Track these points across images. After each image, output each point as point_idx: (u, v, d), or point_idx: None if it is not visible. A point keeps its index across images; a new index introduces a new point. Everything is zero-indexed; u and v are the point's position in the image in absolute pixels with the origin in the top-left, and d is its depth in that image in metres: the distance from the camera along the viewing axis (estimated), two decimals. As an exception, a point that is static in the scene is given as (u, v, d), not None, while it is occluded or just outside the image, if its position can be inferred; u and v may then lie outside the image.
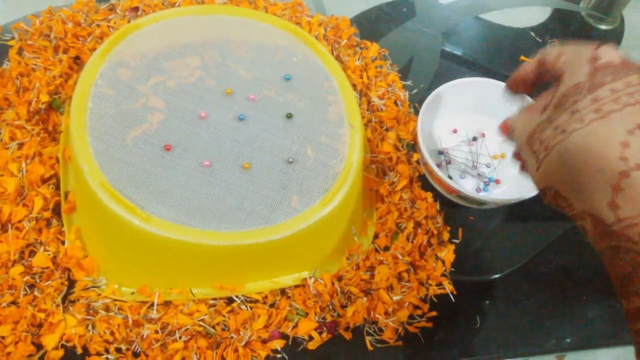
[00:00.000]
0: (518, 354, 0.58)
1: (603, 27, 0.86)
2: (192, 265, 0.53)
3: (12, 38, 0.65)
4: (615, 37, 0.86)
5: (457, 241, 0.61)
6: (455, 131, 0.68)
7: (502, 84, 0.64)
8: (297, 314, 0.54)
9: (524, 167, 0.43)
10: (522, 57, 0.77)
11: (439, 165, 0.66)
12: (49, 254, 0.53)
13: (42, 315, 0.51)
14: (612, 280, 0.34)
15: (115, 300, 0.53)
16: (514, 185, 0.65)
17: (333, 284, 0.55)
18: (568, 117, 0.35)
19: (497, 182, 0.65)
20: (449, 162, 0.66)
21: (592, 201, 0.33)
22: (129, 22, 0.66)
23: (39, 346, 0.51)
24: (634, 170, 0.32)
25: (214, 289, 0.54)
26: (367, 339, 0.55)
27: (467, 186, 0.65)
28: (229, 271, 0.54)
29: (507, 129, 0.42)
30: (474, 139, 0.68)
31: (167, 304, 0.54)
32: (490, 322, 0.59)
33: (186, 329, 0.52)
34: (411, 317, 0.56)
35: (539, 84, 0.43)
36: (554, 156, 0.36)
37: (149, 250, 0.52)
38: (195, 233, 0.50)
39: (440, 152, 0.67)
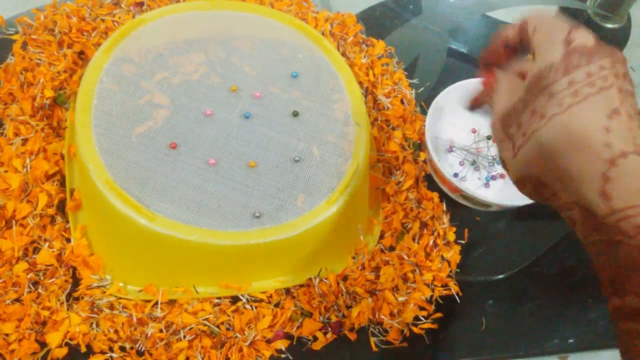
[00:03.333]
0: (521, 354, 0.58)
1: (609, 25, 0.85)
2: (198, 264, 0.53)
3: (16, 32, 0.65)
4: (622, 35, 0.85)
5: (462, 242, 0.61)
6: (474, 131, 0.68)
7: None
8: (302, 314, 0.54)
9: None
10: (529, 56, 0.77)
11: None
12: (53, 251, 0.53)
13: (46, 313, 0.51)
14: (601, 275, 0.32)
15: (119, 298, 0.53)
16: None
17: (338, 284, 0.55)
18: (545, 101, 0.33)
19: (502, 176, 0.65)
20: (460, 162, 0.66)
21: (581, 191, 0.32)
22: (133, 17, 0.66)
23: (43, 344, 0.50)
24: (619, 157, 0.31)
25: (219, 288, 0.54)
26: (372, 339, 0.55)
27: (472, 186, 0.65)
28: (234, 270, 0.54)
29: (488, 87, 0.39)
30: (489, 137, 0.67)
31: (171, 303, 0.53)
32: (494, 323, 0.59)
33: (191, 328, 0.52)
34: (416, 318, 0.56)
35: (523, 52, 0.39)
36: (534, 144, 0.34)
37: (155, 249, 0.51)
38: (201, 232, 0.50)
39: (450, 151, 0.66)
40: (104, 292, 0.53)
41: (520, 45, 0.39)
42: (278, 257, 0.54)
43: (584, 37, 0.34)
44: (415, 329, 0.56)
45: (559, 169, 0.33)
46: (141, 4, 0.67)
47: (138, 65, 0.57)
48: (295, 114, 0.57)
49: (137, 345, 0.51)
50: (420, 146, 0.66)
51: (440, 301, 0.58)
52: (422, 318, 0.56)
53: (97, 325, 0.51)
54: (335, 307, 0.55)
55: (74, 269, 0.54)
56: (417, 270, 0.57)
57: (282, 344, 0.53)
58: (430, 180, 0.64)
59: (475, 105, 0.43)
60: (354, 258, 0.57)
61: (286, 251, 0.53)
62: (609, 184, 0.30)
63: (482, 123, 0.68)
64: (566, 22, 0.35)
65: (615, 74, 0.33)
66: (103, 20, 0.66)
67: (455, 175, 0.65)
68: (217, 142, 0.54)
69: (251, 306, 0.54)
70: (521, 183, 0.36)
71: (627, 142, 0.31)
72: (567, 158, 0.32)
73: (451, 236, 0.61)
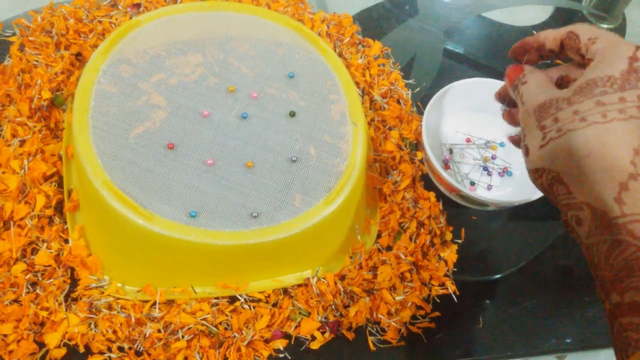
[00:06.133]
0: (519, 354, 0.58)
1: (605, 25, 0.86)
2: (195, 264, 0.53)
3: (14, 34, 0.65)
4: (617, 36, 0.85)
5: (459, 241, 0.62)
6: (468, 140, 0.68)
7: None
8: (300, 313, 0.54)
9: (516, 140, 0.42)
10: (525, 56, 0.77)
11: (445, 164, 0.65)
12: (51, 252, 0.53)
13: (44, 314, 0.51)
14: (599, 274, 0.34)
15: (118, 299, 0.53)
16: (517, 187, 0.65)
17: (336, 283, 0.55)
18: (591, 107, 0.35)
19: (505, 169, 0.65)
20: (449, 160, 0.66)
21: (598, 193, 0.34)
22: (130, 18, 0.66)
23: (41, 344, 0.50)
24: None
25: (217, 288, 0.54)
26: (370, 339, 0.55)
27: (469, 185, 0.65)
28: (232, 270, 0.54)
29: (514, 78, 0.41)
30: (487, 143, 0.68)
31: (169, 303, 0.53)
32: (491, 323, 0.59)
33: (189, 328, 0.52)
34: (414, 317, 0.56)
35: (551, 57, 0.42)
36: (566, 140, 0.35)
37: (152, 249, 0.51)
38: (199, 232, 0.50)
39: (450, 151, 0.67)
40: (102, 293, 0.53)
41: (556, 52, 0.42)
42: (275, 257, 0.54)
43: None
44: (412, 328, 0.56)
45: (582, 170, 0.35)
46: (138, 6, 0.68)
47: (135, 66, 0.57)
48: (292, 114, 0.57)
49: (136, 345, 0.51)
50: (417, 146, 0.66)
51: (438, 300, 0.58)
52: (420, 317, 0.56)
53: (96, 325, 0.51)
54: (333, 306, 0.55)
55: (72, 269, 0.54)
56: (415, 270, 0.58)
57: (280, 344, 0.53)
58: (427, 180, 0.64)
59: (502, 98, 0.46)
60: (351, 257, 0.57)
61: (284, 251, 0.53)
62: (625, 191, 0.33)
63: (477, 126, 0.68)
64: (629, 42, 0.37)
65: None
66: (100, 22, 0.66)
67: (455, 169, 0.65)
68: (214, 143, 0.55)
69: (249, 306, 0.54)
70: (538, 173, 0.38)
71: None
72: (594, 163, 0.34)
73: (448, 235, 0.61)
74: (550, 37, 0.41)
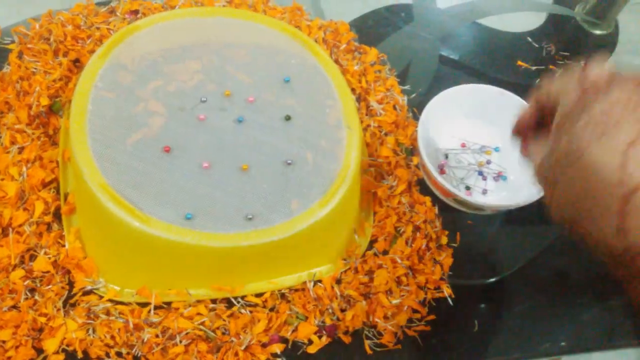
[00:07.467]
0: (514, 357, 0.59)
1: (598, 32, 0.87)
2: (191, 267, 0.54)
3: (12, 42, 0.65)
4: (609, 41, 0.86)
5: (455, 245, 0.62)
6: (463, 145, 0.69)
7: (504, 92, 0.66)
8: (297, 317, 0.55)
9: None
10: (519, 62, 0.78)
11: (440, 169, 0.66)
12: (49, 258, 0.54)
13: (43, 320, 0.51)
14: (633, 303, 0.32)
15: (116, 303, 0.53)
16: (511, 192, 0.65)
17: (332, 287, 0.56)
18: (566, 144, 0.34)
19: (500, 174, 0.66)
20: (444, 165, 0.67)
21: (601, 230, 0.31)
22: (128, 24, 0.67)
23: (39, 350, 0.51)
24: (633, 192, 0.30)
25: (212, 290, 0.55)
26: (367, 342, 0.55)
27: (464, 190, 0.66)
28: (228, 272, 0.55)
29: (526, 151, 0.42)
30: (482, 148, 0.68)
31: (167, 308, 0.54)
32: (487, 326, 0.59)
33: (186, 333, 0.52)
34: (410, 320, 0.57)
35: (545, 124, 0.41)
36: (561, 188, 0.34)
37: (148, 252, 0.52)
38: (194, 234, 0.50)
39: (446, 156, 0.67)
40: (101, 298, 0.53)
41: (541, 119, 0.41)
42: (271, 259, 0.54)
43: (597, 72, 0.35)
44: (408, 332, 0.56)
45: (584, 210, 0.33)
46: (136, 12, 0.68)
47: (132, 72, 0.58)
48: (288, 118, 0.58)
49: (134, 350, 0.51)
50: (413, 151, 0.67)
51: (434, 304, 0.58)
52: (416, 321, 0.57)
53: (94, 331, 0.52)
54: (330, 310, 0.55)
55: (69, 273, 0.54)
56: (411, 274, 0.58)
57: (277, 348, 0.53)
58: (423, 185, 0.64)
59: (521, 133, 0.44)
60: (346, 260, 0.58)
61: (279, 253, 0.53)
62: (626, 220, 0.30)
63: (472, 132, 0.69)
64: (581, 64, 0.36)
65: (634, 106, 0.32)
66: (98, 28, 0.66)
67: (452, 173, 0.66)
68: (210, 146, 0.55)
69: (246, 310, 0.54)
70: (562, 225, 0.36)
71: None
72: (589, 198, 0.32)
73: (444, 239, 0.62)
74: (528, 116, 0.42)
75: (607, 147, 0.31)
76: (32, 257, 0.54)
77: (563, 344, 0.60)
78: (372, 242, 0.61)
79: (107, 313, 0.53)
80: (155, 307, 0.53)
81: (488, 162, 0.68)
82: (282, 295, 0.56)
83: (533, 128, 0.42)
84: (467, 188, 0.66)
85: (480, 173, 0.67)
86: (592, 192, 0.32)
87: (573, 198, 0.33)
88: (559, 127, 0.35)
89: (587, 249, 0.33)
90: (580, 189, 0.33)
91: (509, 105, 0.65)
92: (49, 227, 0.56)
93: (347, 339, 0.55)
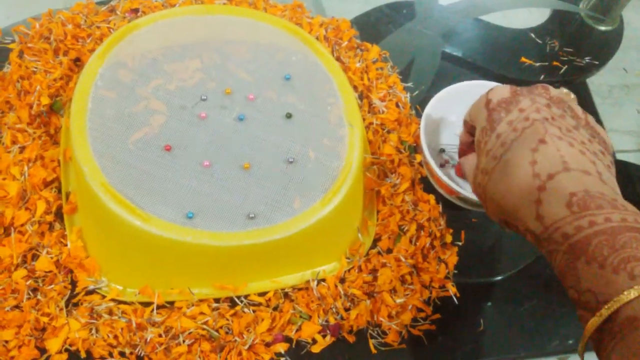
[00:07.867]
0: (521, 356, 0.58)
1: (602, 27, 0.86)
2: (193, 266, 0.53)
3: (13, 41, 0.65)
4: (614, 37, 0.86)
5: (459, 243, 0.62)
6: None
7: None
8: (301, 317, 0.54)
9: None
10: (523, 59, 0.77)
11: (441, 166, 0.66)
12: (52, 258, 0.53)
13: (45, 319, 0.51)
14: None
15: (118, 303, 0.53)
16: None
17: (336, 286, 0.55)
18: (485, 159, 0.40)
19: None
20: (446, 162, 0.66)
21: (524, 219, 0.37)
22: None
23: (42, 350, 0.50)
24: (547, 181, 0.36)
25: (214, 289, 0.54)
26: (371, 342, 0.55)
27: (468, 187, 0.65)
28: (229, 271, 0.54)
29: (460, 172, 0.51)
30: None
31: (170, 308, 0.53)
32: (493, 324, 0.59)
33: (190, 333, 0.52)
34: (414, 319, 0.56)
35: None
36: (488, 197, 0.41)
37: (150, 251, 0.52)
38: (196, 233, 0.50)
39: (442, 150, 0.67)
40: (104, 298, 0.53)
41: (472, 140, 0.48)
42: (273, 258, 0.54)
43: (500, 92, 0.42)
44: (413, 331, 0.56)
45: (509, 205, 0.39)
46: (136, 11, 0.68)
47: (133, 70, 0.57)
48: (289, 116, 0.58)
49: (137, 350, 0.51)
50: (416, 149, 0.66)
51: (438, 303, 0.58)
52: (421, 320, 0.56)
53: (97, 330, 0.51)
54: (334, 309, 0.55)
55: (72, 273, 0.54)
56: (415, 272, 0.58)
57: (281, 347, 0.53)
58: (427, 183, 0.64)
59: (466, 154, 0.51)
60: (349, 258, 0.58)
61: (281, 252, 0.53)
62: (541, 207, 0.36)
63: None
64: (487, 90, 0.43)
65: (536, 109, 0.39)
66: (98, 27, 0.66)
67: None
68: (211, 145, 0.55)
69: (250, 310, 0.54)
70: (498, 222, 0.42)
71: (555, 163, 0.36)
72: (512, 194, 0.38)
73: (448, 238, 0.61)
74: (464, 140, 0.51)
75: (519, 149, 0.38)
76: (35, 257, 0.54)
77: (571, 342, 0.59)
78: (376, 241, 0.60)
79: (110, 313, 0.52)
80: (158, 307, 0.53)
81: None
82: (286, 295, 0.56)
83: (469, 148, 0.50)
84: None
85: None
86: (513, 189, 0.38)
87: (499, 197, 0.39)
88: (478, 142, 0.42)
89: (519, 236, 0.39)
90: (504, 189, 0.39)
91: None
92: (50, 226, 0.55)
93: (351, 338, 0.55)
